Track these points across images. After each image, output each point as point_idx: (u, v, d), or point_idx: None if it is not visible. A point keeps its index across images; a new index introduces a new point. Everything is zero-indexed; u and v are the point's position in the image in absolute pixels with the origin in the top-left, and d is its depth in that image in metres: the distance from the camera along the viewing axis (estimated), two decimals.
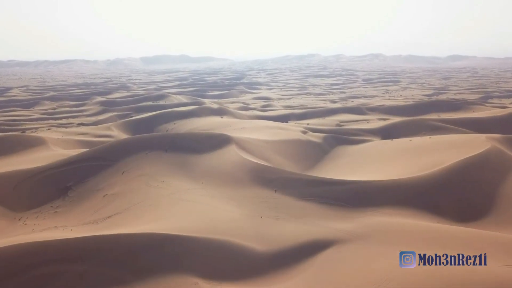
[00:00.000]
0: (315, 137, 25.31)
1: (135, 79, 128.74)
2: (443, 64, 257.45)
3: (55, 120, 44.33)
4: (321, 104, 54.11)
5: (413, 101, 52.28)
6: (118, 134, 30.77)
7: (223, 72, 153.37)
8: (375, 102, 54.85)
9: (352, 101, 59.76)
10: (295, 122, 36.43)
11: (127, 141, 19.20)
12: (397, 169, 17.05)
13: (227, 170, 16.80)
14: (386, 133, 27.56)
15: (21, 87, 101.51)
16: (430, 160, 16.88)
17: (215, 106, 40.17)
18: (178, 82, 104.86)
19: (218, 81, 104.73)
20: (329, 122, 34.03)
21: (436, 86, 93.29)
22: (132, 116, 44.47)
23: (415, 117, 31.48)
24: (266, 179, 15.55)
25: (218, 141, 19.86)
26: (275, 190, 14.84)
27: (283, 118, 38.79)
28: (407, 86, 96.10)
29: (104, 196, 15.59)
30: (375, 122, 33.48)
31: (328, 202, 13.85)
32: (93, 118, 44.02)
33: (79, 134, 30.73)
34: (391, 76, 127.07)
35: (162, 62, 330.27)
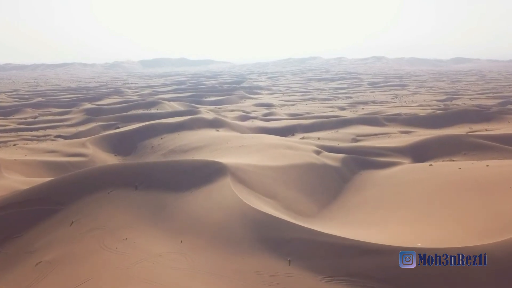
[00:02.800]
0: (332, 159, 20.32)
1: (131, 83, 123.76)
2: (447, 66, 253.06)
3: (31, 131, 39.33)
4: (329, 112, 49.05)
5: (431, 109, 47.31)
6: (94, 153, 25.77)
7: (223, 76, 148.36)
8: (388, 109, 49.76)
9: (362, 108, 54.77)
10: (303, 135, 31.47)
11: (83, 176, 14.09)
12: (463, 217, 11.96)
13: (219, 221, 11.78)
14: (417, 152, 22.56)
15: (10, 91, 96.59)
16: (508, 205, 11.82)
17: (210, 116, 35.18)
18: (175, 87, 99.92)
19: (217, 85, 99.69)
20: (343, 136, 28.99)
21: (447, 90, 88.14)
22: (118, 127, 39.66)
23: (448, 132, 26.44)
24: (276, 241, 10.52)
25: (208, 173, 14.84)
26: (289, 261, 9.82)
27: (289, 130, 33.84)
28: (416, 90, 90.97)
29: (36, 264, 10.61)
30: (397, 136, 28.50)
31: (373, 287, 8.80)
32: (74, 129, 39.01)
33: (47, 152, 25.77)
34: (396, 80, 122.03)
35: (162, 65, 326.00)
